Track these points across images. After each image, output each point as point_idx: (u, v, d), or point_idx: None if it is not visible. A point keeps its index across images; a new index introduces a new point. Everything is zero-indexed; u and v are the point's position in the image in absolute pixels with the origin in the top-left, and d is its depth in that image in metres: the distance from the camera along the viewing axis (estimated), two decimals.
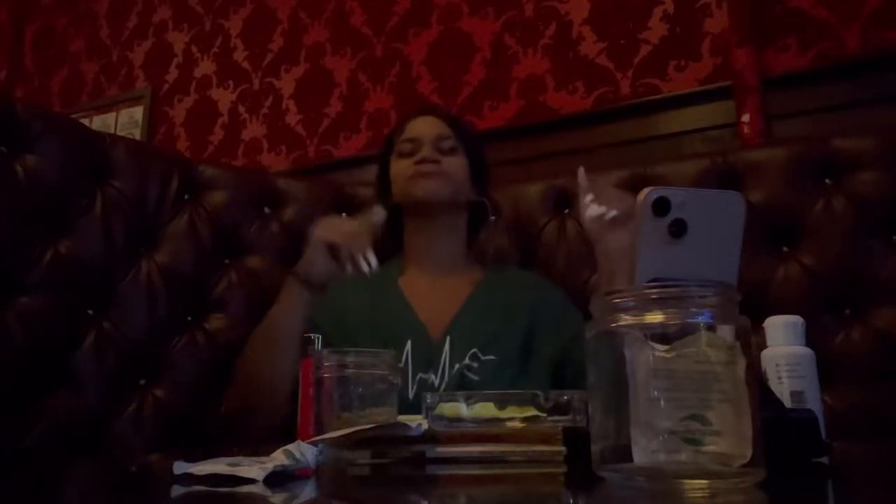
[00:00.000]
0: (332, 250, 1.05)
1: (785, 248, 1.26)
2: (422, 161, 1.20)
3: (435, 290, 1.20)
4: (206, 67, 2.46)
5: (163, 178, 1.36)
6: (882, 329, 1.16)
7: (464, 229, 1.28)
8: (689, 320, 0.45)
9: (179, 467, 0.57)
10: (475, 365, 1.10)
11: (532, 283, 1.26)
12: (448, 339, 1.12)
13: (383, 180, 1.30)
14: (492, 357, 1.11)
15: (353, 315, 1.17)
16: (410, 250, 1.27)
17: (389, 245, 1.28)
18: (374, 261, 1.03)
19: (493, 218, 1.32)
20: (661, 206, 0.52)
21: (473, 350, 1.11)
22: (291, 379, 0.96)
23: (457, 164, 1.23)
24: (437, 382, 1.09)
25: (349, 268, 1.03)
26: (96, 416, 1.18)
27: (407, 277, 1.23)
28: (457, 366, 1.10)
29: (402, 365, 1.09)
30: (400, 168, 1.24)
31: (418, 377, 1.09)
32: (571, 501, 0.51)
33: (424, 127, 1.26)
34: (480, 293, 1.20)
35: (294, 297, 1.08)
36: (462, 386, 1.08)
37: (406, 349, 1.11)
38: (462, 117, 1.45)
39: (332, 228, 1.08)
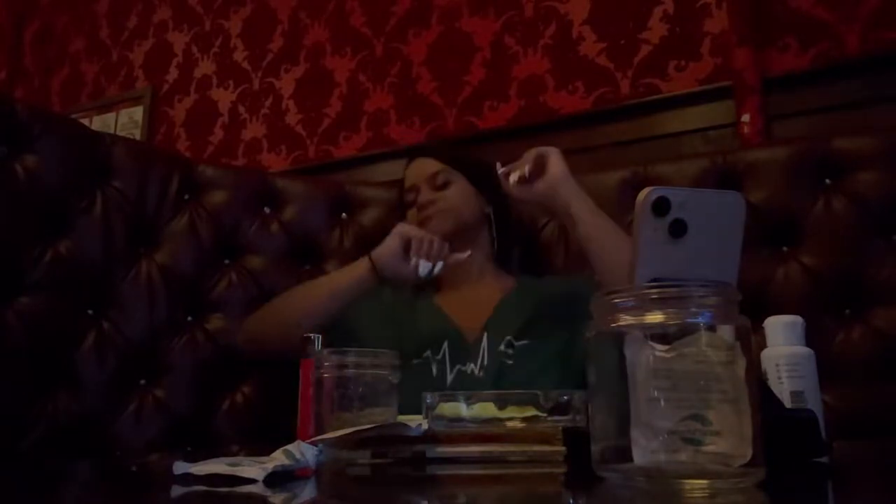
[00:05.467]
0: (407, 245, 1.13)
1: (785, 248, 1.26)
2: (420, 207, 1.26)
3: (467, 300, 1.24)
4: (206, 67, 2.46)
5: (163, 178, 1.36)
6: (882, 329, 1.16)
7: (486, 242, 1.31)
8: (689, 320, 0.45)
9: (179, 467, 0.57)
10: (510, 351, 1.14)
11: (566, 281, 1.29)
12: (485, 335, 1.17)
13: None
14: (525, 342, 1.15)
15: (395, 326, 1.21)
16: (443, 281, 1.30)
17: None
18: (438, 268, 1.12)
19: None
20: (661, 206, 0.52)
21: (508, 338, 1.15)
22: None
23: (453, 194, 1.27)
24: (477, 372, 1.13)
25: (414, 263, 1.11)
26: (96, 416, 1.18)
27: (441, 294, 1.28)
28: (495, 352, 1.15)
29: (439, 357, 1.14)
30: (410, 219, 1.29)
31: (457, 369, 1.13)
32: (571, 501, 0.51)
33: (416, 172, 1.31)
34: (511, 297, 1.24)
35: (359, 272, 1.15)
36: (501, 372, 1.12)
37: (443, 348, 1.15)
38: (453, 145, 1.51)
39: (414, 229, 1.16)
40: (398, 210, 1.37)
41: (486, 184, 1.30)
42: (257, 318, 1.26)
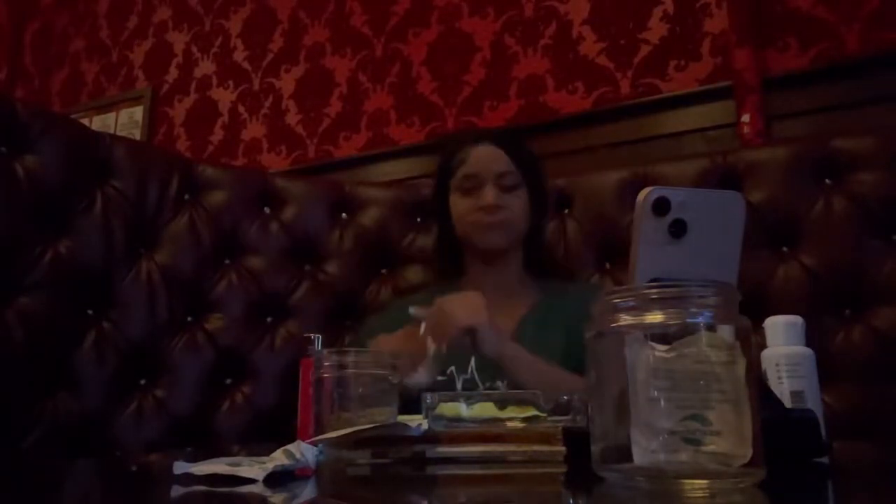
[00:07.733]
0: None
1: (785, 248, 1.26)
2: (487, 209, 1.17)
3: (492, 312, 1.19)
4: (206, 67, 2.46)
5: (163, 178, 1.36)
6: (882, 329, 1.16)
7: (520, 256, 1.26)
8: (689, 320, 0.45)
9: (179, 467, 0.57)
10: None
11: (591, 296, 1.25)
12: None
13: (441, 207, 1.25)
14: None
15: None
16: (469, 278, 1.26)
17: (449, 269, 1.28)
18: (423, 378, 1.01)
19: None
20: (661, 206, 0.52)
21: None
22: None
23: (519, 204, 1.20)
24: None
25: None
26: (96, 416, 1.18)
27: None
28: None
29: (468, 376, 1.08)
30: (463, 208, 1.20)
31: (487, 386, 1.10)
32: (571, 501, 0.51)
33: (484, 161, 1.19)
34: (534, 314, 1.20)
35: None
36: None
37: (471, 366, 1.09)
38: (519, 138, 1.33)
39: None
40: (437, 184, 1.26)
41: (540, 197, 1.24)
42: None
